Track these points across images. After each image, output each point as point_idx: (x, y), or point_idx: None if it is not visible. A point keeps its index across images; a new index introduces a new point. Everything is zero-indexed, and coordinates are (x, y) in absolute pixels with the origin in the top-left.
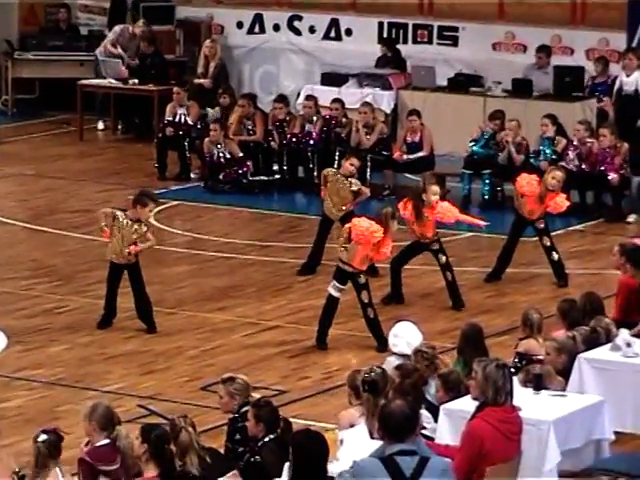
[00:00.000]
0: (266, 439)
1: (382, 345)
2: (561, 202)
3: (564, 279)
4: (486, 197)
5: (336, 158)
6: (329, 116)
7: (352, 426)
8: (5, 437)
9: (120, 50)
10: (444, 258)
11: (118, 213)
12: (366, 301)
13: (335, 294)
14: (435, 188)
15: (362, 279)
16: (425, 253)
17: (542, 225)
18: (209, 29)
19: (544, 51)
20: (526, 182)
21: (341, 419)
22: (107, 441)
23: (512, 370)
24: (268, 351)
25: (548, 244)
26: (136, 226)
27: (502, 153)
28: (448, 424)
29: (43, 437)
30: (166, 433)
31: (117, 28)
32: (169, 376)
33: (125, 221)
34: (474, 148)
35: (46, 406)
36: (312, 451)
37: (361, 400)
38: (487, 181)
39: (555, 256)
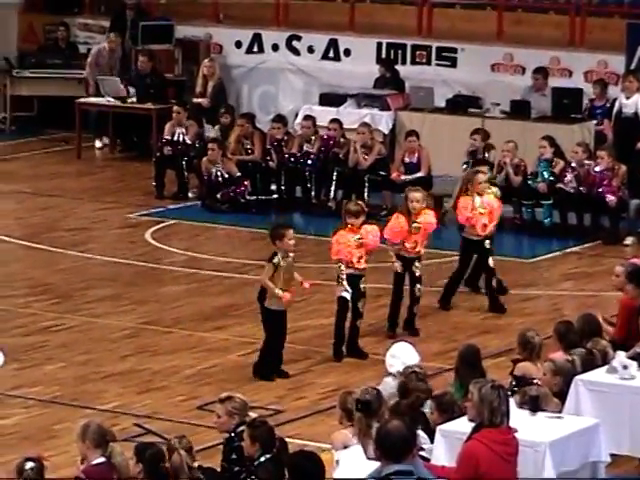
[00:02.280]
0: (262, 459)
1: (363, 357)
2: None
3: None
4: None
5: (334, 178)
6: (327, 136)
7: (346, 447)
8: (1, 455)
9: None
10: (418, 287)
11: (275, 260)
12: (361, 310)
13: (346, 296)
14: (416, 195)
15: (363, 287)
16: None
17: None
18: (208, 48)
19: (541, 73)
20: None
21: (334, 440)
22: (103, 459)
23: (509, 392)
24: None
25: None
26: (289, 259)
27: (500, 175)
28: (444, 445)
29: (30, 464)
30: (160, 451)
31: (93, 50)
32: (166, 395)
33: (283, 261)
34: None
35: (43, 424)
36: (308, 472)
37: (353, 421)
38: None
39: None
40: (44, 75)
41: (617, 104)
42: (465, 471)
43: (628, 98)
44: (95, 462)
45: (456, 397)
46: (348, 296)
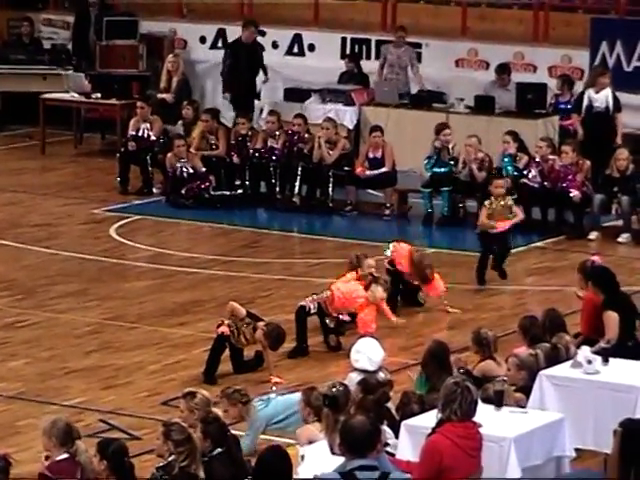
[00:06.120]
0: (214, 452)
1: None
2: None
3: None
4: (445, 214)
5: (298, 174)
6: (292, 131)
7: (311, 442)
8: None
9: None
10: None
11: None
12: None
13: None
14: (370, 262)
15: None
16: None
17: None
18: (172, 44)
19: (503, 69)
20: None
21: (300, 436)
22: (67, 455)
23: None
24: (229, 366)
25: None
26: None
27: (464, 170)
28: (409, 440)
29: None
30: (123, 446)
31: (383, 52)
32: (130, 391)
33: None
34: (434, 169)
35: (6, 420)
36: (276, 468)
37: (319, 417)
38: (446, 198)
39: None
40: (8, 71)
41: (586, 99)
42: (428, 465)
43: (597, 93)
44: (59, 458)
45: (418, 392)
46: (311, 308)
